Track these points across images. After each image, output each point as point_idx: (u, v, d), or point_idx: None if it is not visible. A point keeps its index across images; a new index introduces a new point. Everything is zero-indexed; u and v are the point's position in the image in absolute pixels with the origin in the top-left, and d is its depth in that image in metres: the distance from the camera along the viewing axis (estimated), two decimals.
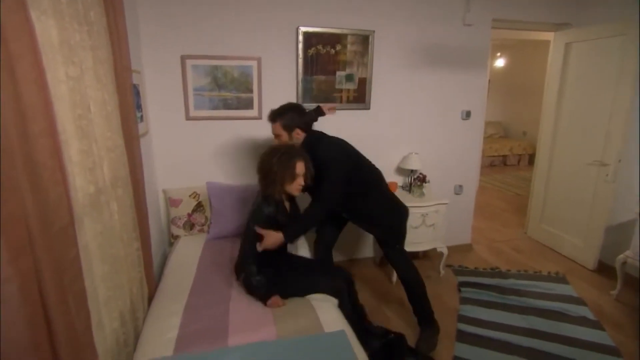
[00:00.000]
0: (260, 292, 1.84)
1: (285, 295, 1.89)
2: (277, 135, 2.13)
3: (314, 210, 2.06)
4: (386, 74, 3.03)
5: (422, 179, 3.11)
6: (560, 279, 3.08)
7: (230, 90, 2.74)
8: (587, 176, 3.25)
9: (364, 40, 2.90)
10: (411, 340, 2.26)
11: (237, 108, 2.79)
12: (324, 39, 2.82)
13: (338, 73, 2.91)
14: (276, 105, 2.83)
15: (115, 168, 1.66)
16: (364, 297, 2.78)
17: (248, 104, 2.80)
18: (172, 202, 2.70)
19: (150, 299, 2.00)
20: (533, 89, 7.34)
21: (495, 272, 3.19)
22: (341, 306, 1.93)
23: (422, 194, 3.07)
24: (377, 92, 3.05)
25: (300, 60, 2.81)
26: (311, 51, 2.81)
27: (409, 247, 2.93)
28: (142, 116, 2.39)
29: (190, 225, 2.72)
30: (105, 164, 1.56)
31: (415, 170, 3.17)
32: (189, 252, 2.44)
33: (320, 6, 2.77)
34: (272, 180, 1.84)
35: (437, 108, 3.24)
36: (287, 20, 2.73)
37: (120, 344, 1.62)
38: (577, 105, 3.38)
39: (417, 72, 3.10)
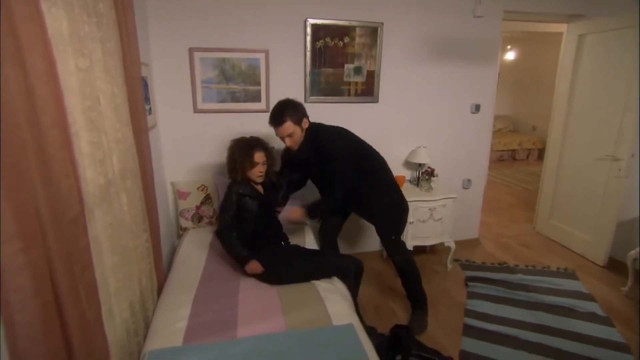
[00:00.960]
0: (242, 255, 2.00)
1: (286, 277, 1.96)
2: (288, 135, 2.09)
3: (331, 198, 2.20)
4: (395, 67, 3.00)
5: (430, 173, 3.09)
6: (569, 274, 3.05)
7: (238, 82, 2.74)
8: (599, 171, 3.20)
9: (373, 32, 2.87)
10: (420, 335, 2.27)
11: (244, 101, 2.78)
12: (332, 31, 2.79)
13: (346, 66, 2.89)
14: (283, 97, 2.84)
15: (125, 160, 1.67)
16: (370, 290, 2.79)
17: (256, 97, 2.80)
18: (180, 195, 2.72)
19: (160, 290, 2.02)
20: (543, 82, 7.22)
21: (503, 267, 3.17)
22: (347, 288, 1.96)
23: (430, 188, 3.05)
24: (386, 85, 3.02)
25: (308, 53, 2.79)
26: (319, 43, 2.79)
27: (416, 241, 2.95)
28: (150, 109, 2.40)
29: (198, 218, 2.73)
30: (115, 156, 1.57)
31: (424, 164, 3.15)
32: (197, 244, 2.46)
33: None
34: (232, 168, 2.12)
35: (446, 101, 3.21)
36: (295, 12, 2.71)
37: (131, 334, 1.64)
38: (589, 98, 3.32)
39: (426, 65, 3.07)
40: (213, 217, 2.75)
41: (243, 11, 2.63)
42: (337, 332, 1.60)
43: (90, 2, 1.36)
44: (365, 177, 2.23)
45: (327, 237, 2.56)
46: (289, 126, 2.06)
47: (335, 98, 2.94)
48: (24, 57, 0.93)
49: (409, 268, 2.39)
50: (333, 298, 1.83)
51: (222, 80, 2.71)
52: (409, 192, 2.97)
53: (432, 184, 3.09)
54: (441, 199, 2.92)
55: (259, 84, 2.77)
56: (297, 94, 2.86)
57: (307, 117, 2.15)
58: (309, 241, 2.52)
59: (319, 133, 2.15)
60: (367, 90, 2.99)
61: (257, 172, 2.11)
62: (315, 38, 2.77)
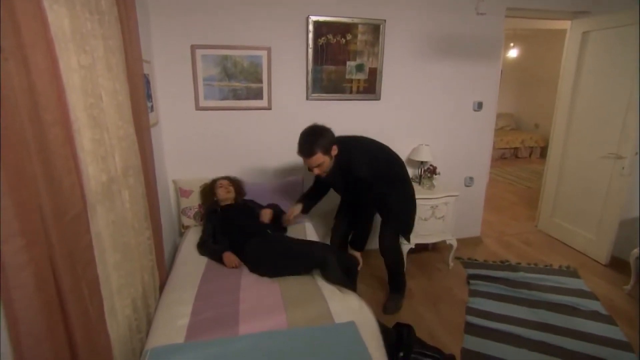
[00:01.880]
0: (216, 252, 2.22)
1: (275, 268, 2.04)
2: (317, 166, 2.06)
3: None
4: (397, 64, 2.99)
5: (432, 171, 3.09)
6: (571, 272, 3.05)
7: (240, 80, 2.73)
8: (602, 169, 3.19)
9: (375, 29, 2.86)
10: (422, 333, 2.27)
11: (246, 98, 2.78)
12: (334, 29, 2.78)
13: (348, 63, 2.88)
14: (285, 96, 2.85)
15: (127, 157, 1.67)
16: (373, 288, 2.79)
17: (258, 94, 2.79)
18: (182, 193, 2.72)
19: (162, 287, 2.03)
20: (546, 80, 7.19)
21: (505, 265, 3.16)
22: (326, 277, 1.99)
23: (432, 186, 3.04)
24: (388, 83, 3.01)
25: (310, 50, 2.78)
26: (321, 41, 2.78)
27: (418, 239, 2.95)
28: (152, 106, 2.40)
29: (200, 216, 2.74)
30: (117, 153, 1.57)
31: (426, 162, 3.14)
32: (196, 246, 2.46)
33: None
34: (204, 198, 2.73)
35: (449, 99, 3.20)
36: (297, 9, 2.70)
37: (133, 330, 1.65)
38: (592, 96, 3.30)
39: (428, 62, 3.06)
40: None
41: (245, 8, 2.62)
42: (339, 330, 1.60)
43: None
44: (391, 183, 2.32)
45: (338, 234, 2.60)
46: (318, 157, 2.01)
47: (337, 95, 2.93)
48: (26, 54, 0.93)
49: (400, 261, 2.57)
50: (335, 296, 1.83)
51: (224, 77, 2.70)
52: None
53: (434, 182, 3.08)
54: (443, 197, 2.92)
55: (261, 81, 2.77)
56: (299, 91, 2.87)
57: (335, 143, 2.08)
58: (310, 235, 2.62)
59: (350, 159, 2.12)
60: (369, 88, 2.98)
61: (223, 191, 2.55)
62: (317, 35, 2.76)
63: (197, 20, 2.58)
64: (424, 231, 2.95)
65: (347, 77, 2.91)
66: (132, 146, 1.74)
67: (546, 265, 3.17)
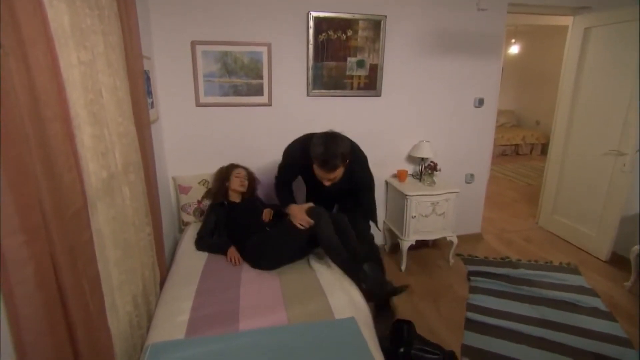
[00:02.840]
0: (219, 247, 2.24)
1: (274, 254, 2.10)
2: (333, 177, 1.99)
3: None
4: (398, 60, 2.98)
5: (433, 168, 3.08)
6: (572, 269, 3.05)
7: (240, 76, 2.73)
8: (603, 166, 3.18)
9: (376, 25, 2.84)
10: (422, 329, 2.27)
11: (247, 94, 2.78)
12: (334, 25, 2.77)
13: (349, 59, 2.87)
14: (286, 92, 2.84)
15: (127, 154, 1.67)
16: None
17: (258, 91, 2.78)
18: (181, 189, 2.72)
19: (162, 283, 2.03)
20: (548, 76, 7.16)
21: (505, 262, 3.16)
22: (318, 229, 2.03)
23: (433, 183, 3.04)
24: (389, 79, 3.00)
25: (311, 46, 2.77)
26: (322, 37, 2.77)
27: (418, 235, 2.95)
28: (152, 102, 2.40)
29: (200, 212, 2.74)
30: (117, 150, 1.57)
31: (426, 159, 3.14)
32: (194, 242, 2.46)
33: None
34: (215, 188, 2.61)
35: (449, 95, 3.19)
36: (297, 5, 2.69)
37: (134, 326, 1.65)
38: (594, 93, 3.29)
39: (429, 59, 3.04)
40: None
41: (245, 4, 2.61)
42: (339, 326, 1.60)
43: None
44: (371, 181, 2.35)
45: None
46: (339, 170, 1.95)
47: (337, 92, 2.92)
48: (26, 50, 0.92)
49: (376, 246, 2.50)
50: (335, 292, 1.84)
51: (224, 73, 2.70)
52: (412, 187, 2.97)
53: (435, 179, 3.08)
54: (444, 194, 2.91)
55: (261, 77, 2.76)
56: (299, 87, 2.86)
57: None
58: None
59: (353, 167, 2.09)
60: (370, 84, 2.97)
61: (238, 182, 2.53)
62: (317, 31, 2.75)
63: (198, 16, 2.57)
64: (424, 228, 2.95)
65: (348, 73, 2.90)
66: (133, 143, 1.74)
67: (547, 262, 3.17)
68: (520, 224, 4.04)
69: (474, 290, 2.73)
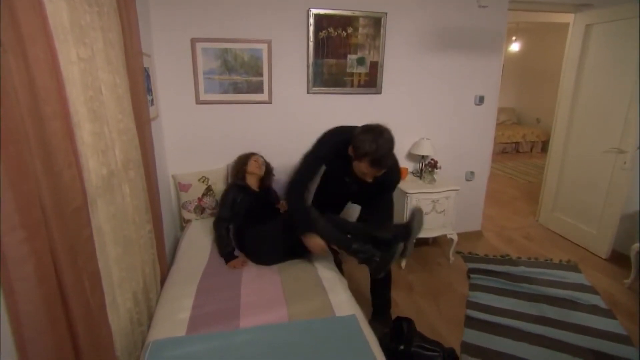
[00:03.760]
0: (225, 250, 2.20)
1: (274, 246, 2.13)
2: (381, 173, 1.85)
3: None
4: (398, 58, 2.97)
5: (434, 165, 3.08)
6: (571, 267, 3.05)
7: (240, 73, 2.72)
8: (603, 164, 3.18)
9: (376, 22, 2.83)
10: (422, 327, 2.28)
11: (247, 92, 2.77)
12: (335, 22, 2.76)
13: (349, 56, 2.86)
14: (286, 89, 2.83)
15: (127, 151, 1.67)
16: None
17: (258, 88, 2.78)
18: (181, 187, 2.72)
19: (163, 281, 2.04)
20: (549, 74, 7.14)
21: (505, 260, 3.17)
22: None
23: (433, 180, 3.04)
24: (389, 76, 2.99)
25: (311, 44, 2.76)
26: (322, 34, 2.77)
27: (419, 232, 2.94)
28: (152, 100, 2.39)
29: (201, 210, 2.74)
30: (117, 147, 1.57)
31: (427, 156, 3.14)
32: (200, 236, 2.47)
33: None
34: (236, 169, 2.58)
35: (450, 93, 3.18)
36: (298, 2, 2.68)
37: (134, 323, 1.66)
38: (595, 90, 3.28)
39: (429, 56, 3.04)
40: (215, 208, 2.76)
41: (246, 1, 2.60)
42: (340, 323, 1.60)
43: None
44: None
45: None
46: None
47: (338, 89, 2.92)
48: (25, 47, 0.92)
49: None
50: (336, 289, 1.84)
51: (224, 71, 2.69)
52: (412, 184, 2.97)
53: (435, 176, 3.07)
54: (444, 191, 2.91)
55: (261, 74, 2.76)
56: (299, 85, 2.85)
57: None
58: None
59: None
60: (370, 82, 2.96)
61: (255, 165, 2.53)
62: (318, 28, 2.74)
63: (198, 13, 2.56)
64: (424, 225, 2.94)
65: (348, 70, 2.89)
66: (133, 140, 1.74)
67: (546, 260, 3.17)
68: (520, 222, 4.05)
69: (474, 287, 2.74)
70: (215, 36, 2.61)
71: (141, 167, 1.83)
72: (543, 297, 2.59)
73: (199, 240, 2.41)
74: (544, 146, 7.32)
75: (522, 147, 7.67)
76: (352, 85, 2.94)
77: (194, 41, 2.59)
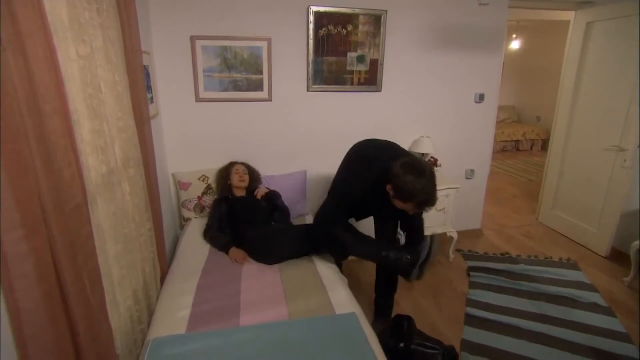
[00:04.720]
0: (222, 243, 2.24)
1: (276, 247, 2.13)
2: None
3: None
4: (398, 55, 2.97)
5: (434, 163, 3.08)
6: (571, 265, 3.05)
7: (240, 71, 2.71)
8: (604, 162, 3.18)
9: (376, 20, 2.83)
10: (422, 324, 2.28)
11: (247, 90, 2.76)
12: (335, 19, 2.75)
13: (349, 54, 2.85)
14: (286, 87, 2.83)
15: (127, 149, 1.66)
16: (370, 280, 2.79)
17: (258, 86, 2.77)
18: (181, 186, 2.72)
19: (163, 279, 2.04)
20: (549, 72, 7.14)
21: (505, 258, 3.17)
22: None
23: None
24: (389, 74, 2.99)
25: (311, 41, 2.75)
26: (322, 31, 2.76)
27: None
28: (152, 98, 2.39)
29: (200, 208, 2.74)
30: (117, 145, 1.57)
31: (427, 154, 3.13)
32: (200, 234, 2.47)
33: None
34: (219, 185, 2.68)
35: (450, 91, 3.17)
36: (297, 0, 2.67)
37: (134, 321, 1.66)
38: (595, 88, 3.28)
39: (430, 53, 3.03)
40: None
41: None
42: (340, 321, 1.61)
43: None
44: None
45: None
46: None
47: (338, 87, 2.91)
48: (24, 44, 0.92)
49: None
50: (336, 287, 1.84)
51: (224, 68, 2.68)
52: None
53: (435, 174, 3.07)
54: (444, 189, 2.91)
55: (261, 72, 2.75)
56: (299, 82, 2.85)
57: None
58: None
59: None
60: (370, 79, 2.96)
61: (237, 177, 2.56)
62: (318, 26, 2.74)
63: (197, 11, 2.55)
64: (424, 223, 2.94)
65: (348, 68, 2.89)
66: (132, 138, 1.73)
67: (546, 258, 3.18)
68: (520, 220, 4.05)
69: (473, 285, 2.74)
70: (215, 34, 2.60)
71: (141, 165, 1.83)
72: (543, 295, 2.59)
73: (198, 239, 2.41)
74: (544, 144, 7.32)
75: (522, 145, 7.67)
76: (352, 83, 2.93)
77: (193, 39, 2.58)
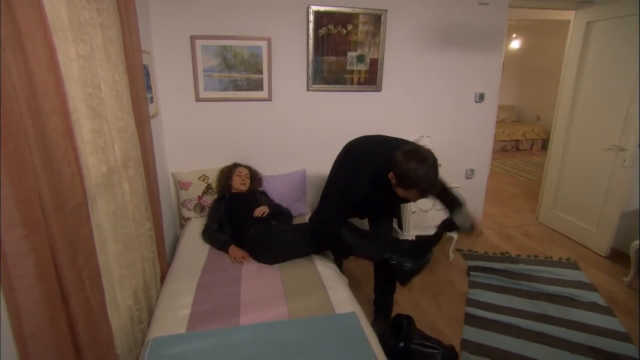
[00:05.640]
0: (221, 242, 2.24)
1: (276, 248, 2.12)
2: None
3: None
4: (398, 55, 2.97)
5: None
6: (571, 264, 3.05)
7: (240, 71, 2.71)
8: (604, 161, 3.18)
9: (376, 19, 2.82)
10: (422, 324, 2.28)
11: (247, 89, 2.77)
12: (335, 19, 2.75)
13: (349, 54, 2.85)
14: (286, 87, 2.83)
15: (127, 148, 1.66)
16: (370, 280, 2.79)
17: (258, 85, 2.77)
18: (181, 185, 2.72)
19: (163, 278, 2.04)
20: (549, 72, 7.13)
21: (505, 257, 3.17)
22: None
23: None
24: (389, 74, 2.99)
25: (311, 41, 2.75)
26: (322, 31, 2.76)
27: (418, 230, 2.95)
28: (151, 97, 2.39)
29: (200, 208, 2.74)
30: (117, 144, 1.57)
31: None
32: (200, 233, 2.46)
33: None
34: (220, 185, 2.69)
35: (450, 90, 3.17)
36: None
37: (134, 321, 1.66)
38: (595, 88, 3.28)
39: (430, 53, 3.03)
40: None
41: None
42: (340, 321, 1.61)
43: None
44: None
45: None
46: None
47: (338, 86, 2.91)
48: (23, 43, 0.92)
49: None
50: (336, 287, 1.84)
51: (224, 68, 2.68)
52: None
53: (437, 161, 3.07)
54: None
55: (261, 72, 2.75)
56: (299, 82, 2.85)
57: None
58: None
59: None
60: (371, 79, 2.96)
61: (239, 180, 2.59)
62: (318, 25, 2.74)
63: (197, 10, 2.55)
64: (424, 223, 2.95)
65: (348, 68, 2.89)
66: (132, 137, 1.73)
67: (546, 257, 3.18)
68: (520, 219, 4.05)
69: (473, 285, 2.74)
70: (215, 33, 2.60)
71: (141, 165, 1.83)
72: (542, 295, 2.59)
73: (198, 238, 2.41)
74: (544, 144, 7.32)
75: (522, 144, 7.67)
76: (352, 83, 2.93)
77: (193, 38, 2.58)
